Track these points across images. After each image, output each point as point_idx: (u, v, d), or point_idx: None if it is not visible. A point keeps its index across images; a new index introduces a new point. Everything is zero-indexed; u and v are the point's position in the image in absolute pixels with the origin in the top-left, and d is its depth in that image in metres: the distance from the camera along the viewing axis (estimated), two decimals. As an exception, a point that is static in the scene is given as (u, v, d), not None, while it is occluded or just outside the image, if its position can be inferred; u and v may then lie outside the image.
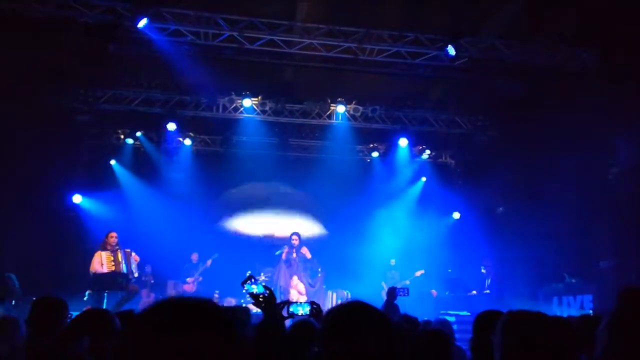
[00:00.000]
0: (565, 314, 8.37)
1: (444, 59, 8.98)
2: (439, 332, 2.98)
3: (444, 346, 2.79)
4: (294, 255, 10.46)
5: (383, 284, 10.73)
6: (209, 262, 10.63)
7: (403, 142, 11.53)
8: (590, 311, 7.70)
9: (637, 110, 7.66)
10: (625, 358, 1.73)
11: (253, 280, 2.63)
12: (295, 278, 10.25)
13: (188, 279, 10.50)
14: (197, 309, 0.88)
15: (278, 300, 2.65)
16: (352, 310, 1.55)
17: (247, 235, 12.68)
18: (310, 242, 11.36)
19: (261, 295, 2.60)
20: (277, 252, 10.66)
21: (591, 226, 8.53)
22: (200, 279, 10.57)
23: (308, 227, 12.89)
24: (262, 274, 10.37)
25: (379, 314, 1.55)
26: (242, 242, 12.34)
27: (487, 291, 9.27)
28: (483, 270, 9.66)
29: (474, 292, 9.40)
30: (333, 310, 1.61)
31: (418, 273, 10.88)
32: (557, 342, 1.80)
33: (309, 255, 10.56)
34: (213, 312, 0.89)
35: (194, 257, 10.75)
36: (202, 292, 10.40)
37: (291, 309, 2.80)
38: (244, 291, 2.63)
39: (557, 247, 9.14)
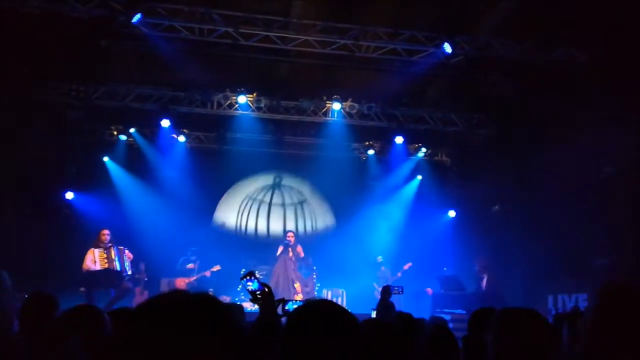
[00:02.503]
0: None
1: (440, 57, 8.96)
2: (445, 327, 2.96)
3: (450, 340, 2.77)
4: (291, 254, 10.44)
5: (374, 284, 10.71)
6: (207, 272, 10.44)
7: (399, 140, 11.49)
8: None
9: (631, 108, 7.66)
10: (605, 354, 1.74)
11: (249, 277, 2.61)
12: (294, 277, 10.31)
13: (185, 279, 10.33)
14: (196, 305, 0.86)
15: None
16: (317, 306, 1.61)
17: (241, 232, 12.62)
18: (304, 240, 11.33)
19: (259, 292, 2.57)
20: (278, 254, 10.58)
21: (586, 224, 8.52)
22: (195, 283, 10.39)
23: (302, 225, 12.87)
24: (256, 272, 10.28)
25: (343, 310, 1.60)
26: (236, 239, 12.29)
27: (483, 286, 9.27)
28: (482, 277, 9.62)
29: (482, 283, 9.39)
30: (298, 307, 1.68)
31: (406, 266, 10.92)
32: (549, 339, 1.82)
33: (302, 254, 10.56)
34: (212, 307, 0.87)
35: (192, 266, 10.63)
36: (195, 289, 10.29)
37: (286, 307, 2.78)
38: (238, 289, 2.61)
39: (552, 245, 9.15)
